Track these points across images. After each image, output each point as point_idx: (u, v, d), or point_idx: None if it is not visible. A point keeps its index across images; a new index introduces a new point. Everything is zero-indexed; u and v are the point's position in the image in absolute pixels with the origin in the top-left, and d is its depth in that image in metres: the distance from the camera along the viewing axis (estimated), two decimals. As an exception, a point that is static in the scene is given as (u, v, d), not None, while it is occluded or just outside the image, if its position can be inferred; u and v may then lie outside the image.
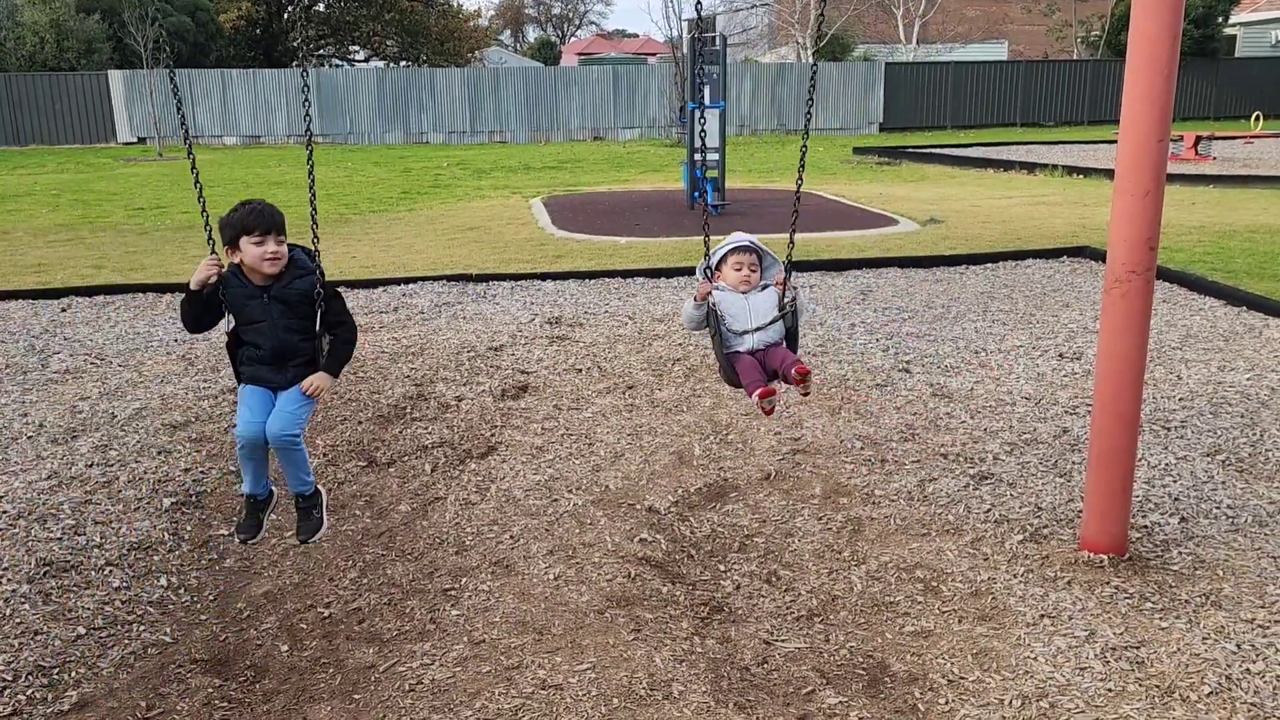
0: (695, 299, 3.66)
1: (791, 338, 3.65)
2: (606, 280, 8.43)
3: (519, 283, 8.38)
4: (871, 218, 12.24)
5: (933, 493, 4.15)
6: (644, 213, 13.17)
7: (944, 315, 7.07)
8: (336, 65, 45.19)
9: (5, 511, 4.02)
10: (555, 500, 4.18)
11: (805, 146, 3.72)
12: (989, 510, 3.97)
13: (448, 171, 20.21)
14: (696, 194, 13.19)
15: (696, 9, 4.00)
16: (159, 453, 4.64)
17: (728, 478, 4.39)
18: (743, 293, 3.64)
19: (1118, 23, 37.29)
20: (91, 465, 4.50)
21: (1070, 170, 17.23)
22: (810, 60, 36.02)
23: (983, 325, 6.76)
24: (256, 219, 3.35)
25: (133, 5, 28.25)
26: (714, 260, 3.72)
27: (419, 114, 29.92)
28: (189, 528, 4.01)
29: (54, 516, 4.00)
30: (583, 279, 8.49)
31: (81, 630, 3.27)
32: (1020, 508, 3.99)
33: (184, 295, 3.46)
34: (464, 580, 3.58)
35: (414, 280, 8.44)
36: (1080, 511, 3.86)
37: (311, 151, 3.66)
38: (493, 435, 4.86)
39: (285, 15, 44.00)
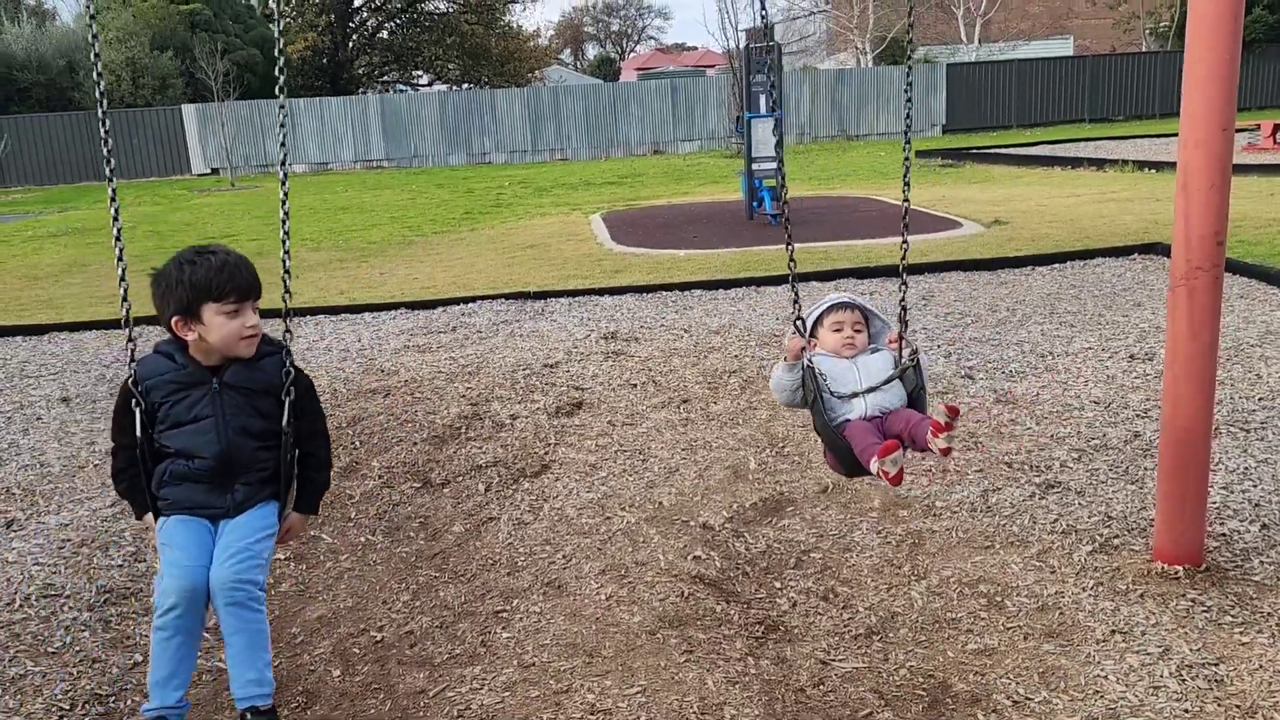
0: (786, 358, 2.98)
1: (917, 404, 2.95)
2: (663, 293, 8.39)
3: (576, 299, 8.39)
4: (934, 221, 12.00)
5: (997, 503, 4.01)
6: (702, 224, 13.11)
7: (1008, 319, 6.87)
8: (400, 90, 46.06)
9: (69, 540, 4.12)
10: (608, 518, 4.13)
11: (908, 166, 3.17)
12: (1056, 520, 3.82)
13: (509, 191, 20.42)
14: (755, 204, 13.11)
15: (763, 19, 3.56)
16: (220, 478, 4.71)
17: (784, 492, 4.30)
18: (846, 358, 3.01)
19: (1188, 10, 36.21)
20: (155, 491, 4.58)
21: (1141, 165, 16.73)
22: (870, 64, 35.66)
23: (1049, 328, 6.55)
24: (231, 280, 2.48)
25: (203, 41, 29.21)
26: (809, 322, 3.10)
27: (481, 135, 30.34)
28: (247, 552, 4.05)
29: (116, 544, 4.08)
30: (640, 293, 8.46)
31: (139, 657, 3.31)
32: (1089, 517, 3.83)
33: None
34: (515, 602, 3.55)
35: (473, 299, 8.49)
36: (1154, 520, 3.69)
37: (285, 178, 2.83)
38: (546, 453, 4.84)
39: (350, 44, 45.06)
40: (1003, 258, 8.99)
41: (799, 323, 3.01)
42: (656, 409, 5.35)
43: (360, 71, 46.37)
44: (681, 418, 5.21)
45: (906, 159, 3.18)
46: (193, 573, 2.44)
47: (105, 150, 2.77)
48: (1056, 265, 8.62)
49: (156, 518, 2.61)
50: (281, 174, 2.80)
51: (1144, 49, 38.00)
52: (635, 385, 5.76)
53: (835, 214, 13.35)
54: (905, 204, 3.20)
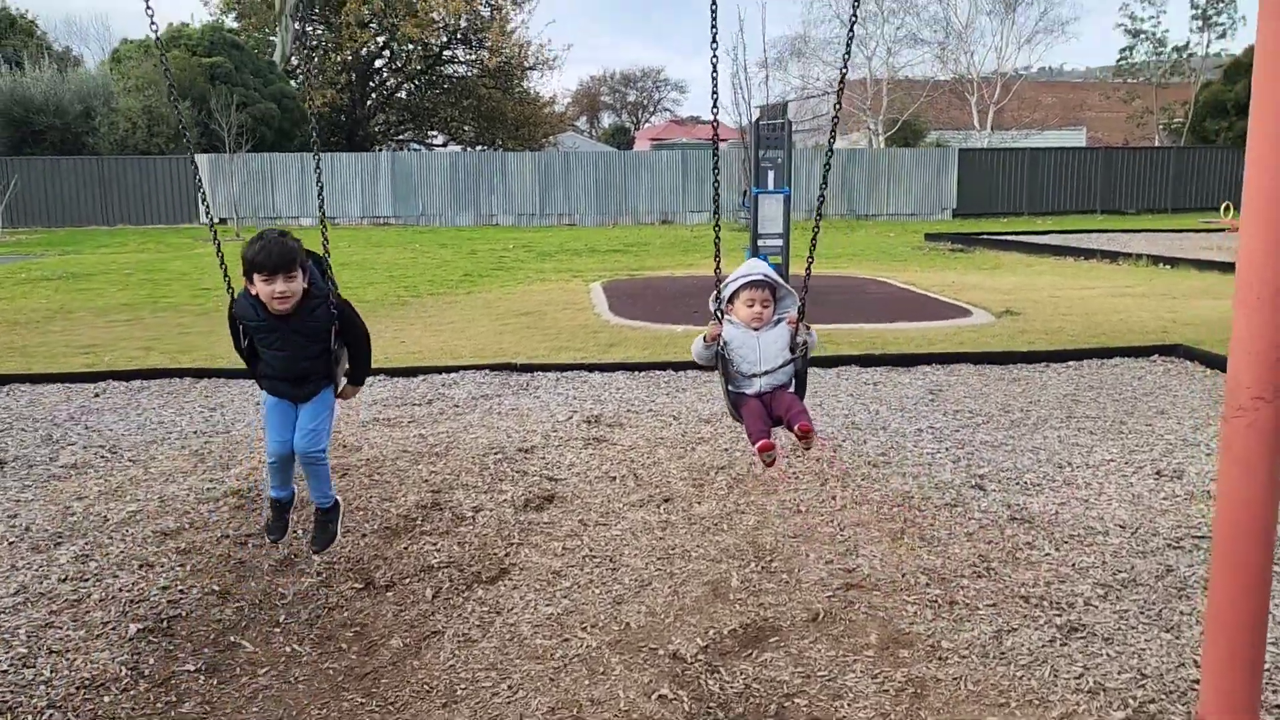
0: (705, 338, 3.64)
1: (800, 382, 3.64)
2: (657, 373, 7.95)
3: (564, 374, 7.94)
4: (943, 308, 11.61)
5: (1011, 647, 3.50)
6: (704, 299, 12.70)
7: (1023, 421, 6.40)
8: (415, 149, 46.35)
9: (-46, 635, 3.61)
10: (566, 640, 3.62)
11: (827, 169, 3.93)
12: (1081, 676, 3.30)
13: (512, 254, 20.15)
14: (759, 281, 12.74)
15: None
16: (140, 565, 4.21)
17: (768, 617, 3.79)
18: (754, 329, 3.61)
19: (1202, 109, 36.37)
20: (65, 579, 4.09)
21: (1155, 260, 16.39)
22: (881, 145, 35.74)
23: (1067, 434, 6.08)
24: (265, 258, 3.44)
25: (221, 94, 29.32)
26: (725, 294, 3.66)
27: (489, 196, 30.26)
28: (152, 660, 3.54)
29: (5, 643, 3.57)
30: (632, 371, 8.02)
31: (-5, 795, 2.80)
32: (1119, 673, 3.32)
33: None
34: (446, 744, 3.04)
35: (456, 369, 8.06)
36: (1195, 682, 3.18)
37: (319, 168, 4.08)
38: (507, 555, 4.34)
39: (369, 102, 45.47)
40: (1016, 351, 8.55)
41: (718, 307, 3.69)
42: (634, 507, 4.86)
43: (376, 129, 46.72)
44: (660, 519, 4.71)
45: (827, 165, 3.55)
46: (283, 446, 3.69)
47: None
48: (1073, 363, 8.17)
49: (260, 386, 3.76)
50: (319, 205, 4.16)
51: (1157, 143, 38.11)
52: (614, 478, 5.27)
53: (841, 294, 12.96)
54: (822, 192, 3.88)
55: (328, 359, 3.69)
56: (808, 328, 3.62)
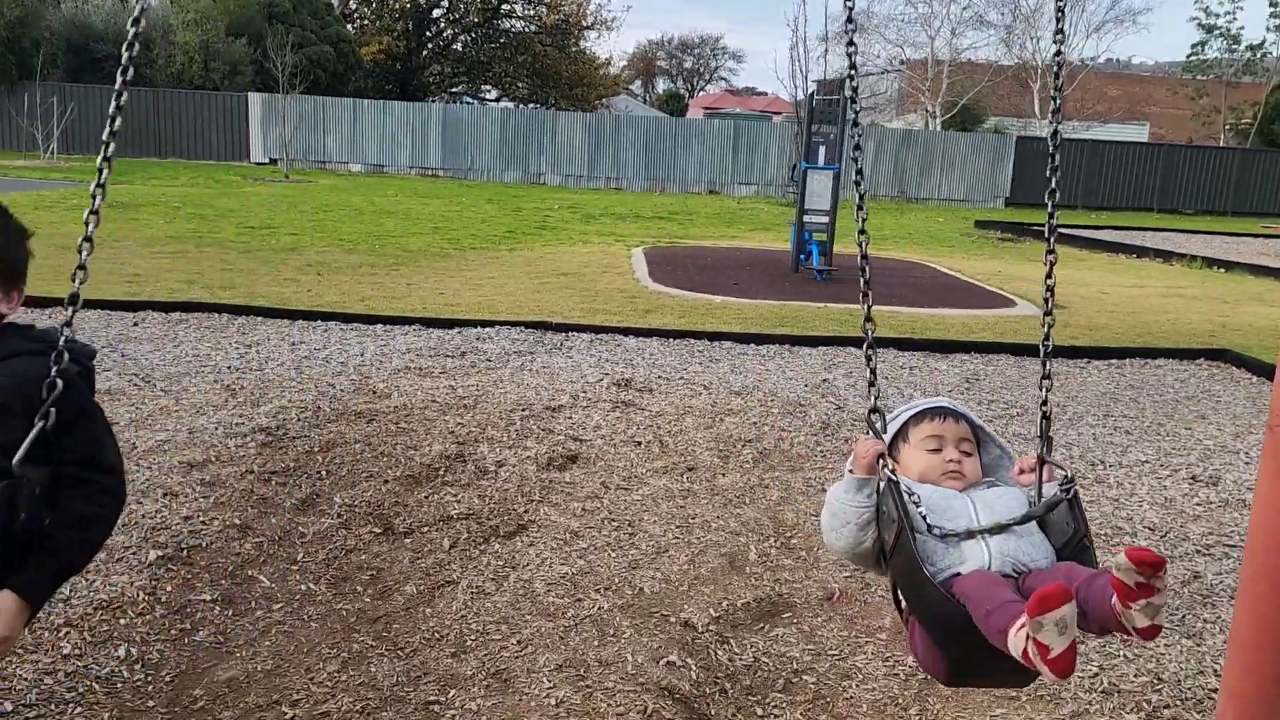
0: (851, 470, 1.96)
1: (1083, 555, 1.84)
2: (692, 341, 7.90)
3: (599, 336, 7.92)
4: (987, 296, 11.43)
5: (1027, 642, 3.44)
6: (746, 271, 12.63)
7: (1058, 415, 6.29)
8: (466, 102, 46.28)
9: (-19, 548, 3.68)
10: (579, 600, 3.62)
11: (1053, 239, 2.18)
12: (1096, 676, 3.24)
13: (556, 214, 20.10)
14: (803, 256, 12.62)
15: (853, 78, 2.34)
16: (164, 494, 4.27)
17: (783, 593, 3.76)
18: (954, 489, 1.94)
19: (1271, 111, 35.35)
20: (92, 502, 4.15)
21: (1210, 262, 16.01)
22: (938, 128, 35.12)
23: (1102, 432, 5.96)
24: None
25: (278, 33, 29.41)
26: (891, 429, 2.05)
27: (538, 155, 30.16)
28: (169, 588, 3.59)
29: (29, 559, 3.63)
30: (666, 338, 7.97)
31: (9, 706, 2.85)
32: (1136, 675, 3.26)
33: None
34: (452, 693, 3.05)
35: (492, 324, 8.06)
36: (1214, 691, 3.11)
37: (103, 178, 2.06)
38: (526, 511, 4.34)
39: (424, 52, 45.40)
40: (1057, 346, 8.37)
41: (875, 416, 1.98)
42: (657, 474, 4.84)
43: (430, 80, 46.68)
44: (683, 488, 4.69)
45: (1049, 237, 2.17)
46: None
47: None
48: (1114, 361, 8.01)
49: None
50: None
51: (1222, 143, 37.13)
52: (639, 444, 5.25)
53: (886, 277, 12.79)
54: (1049, 285, 2.15)
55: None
56: (1065, 472, 1.97)
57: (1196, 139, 40.46)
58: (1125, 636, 1.64)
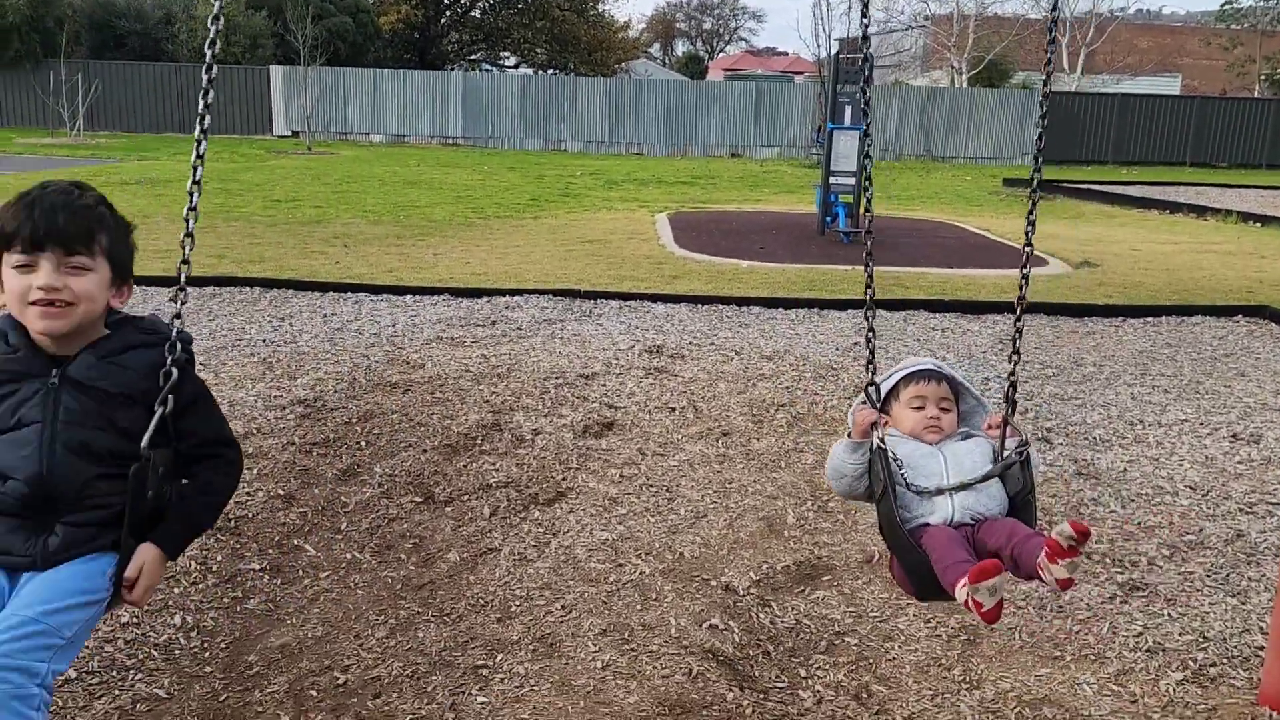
0: (851, 434, 2.36)
1: (1022, 513, 2.25)
2: (720, 307, 7.89)
3: (628, 303, 7.92)
4: (1018, 255, 11.27)
5: (1070, 602, 3.45)
6: (771, 235, 12.56)
7: (1094, 375, 6.24)
8: (485, 70, 46.07)
9: (34, 521, 3.76)
10: (620, 565, 3.66)
11: (1035, 202, 2.53)
12: (1140, 635, 3.25)
13: (579, 181, 20.04)
14: (829, 219, 12.53)
15: (864, 26, 2.68)
16: (210, 467, 4.33)
17: (822, 556, 3.78)
18: (930, 443, 2.35)
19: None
20: (139, 475, 4.23)
21: (1246, 217, 15.73)
22: (964, 84, 34.58)
23: (1140, 391, 5.91)
24: (27, 220, 1.88)
25: (296, 4, 29.32)
26: (885, 386, 2.43)
27: (559, 122, 30.02)
28: (219, 557, 3.66)
29: (82, 532, 3.71)
30: (695, 304, 7.97)
31: (72, 673, 2.93)
32: (1180, 634, 3.25)
33: None
34: (500, 657, 3.10)
35: (520, 292, 8.08)
36: (1260, 649, 3.11)
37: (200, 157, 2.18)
38: (564, 479, 4.38)
39: (442, 20, 45.15)
40: (1091, 305, 8.32)
41: (871, 389, 2.34)
42: (693, 439, 4.86)
43: (449, 48, 46.45)
44: (719, 453, 4.71)
45: (1033, 192, 2.53)
46: None
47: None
48: (1150, 319, 7.92)
49: None
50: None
51: (1257, 94, 36.36)
52: (674, 409, 5.27)
53: (912, 238, 12.69)
54: (1027, 251, 2.58)
55: (120, 480, 1.91)
56: (1023, 434, 2.33)
57: (1230, 90, 39.64)
58: (1042, 585, 2.23)
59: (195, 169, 2.11)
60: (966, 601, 1.99)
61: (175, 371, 1.98)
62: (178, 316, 2.05)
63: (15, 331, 1.96)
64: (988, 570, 1.95)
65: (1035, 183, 2.56)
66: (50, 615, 1.80)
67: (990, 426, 2.38)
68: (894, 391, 2.43)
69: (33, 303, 1.90)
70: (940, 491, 2.25)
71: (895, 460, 2.26)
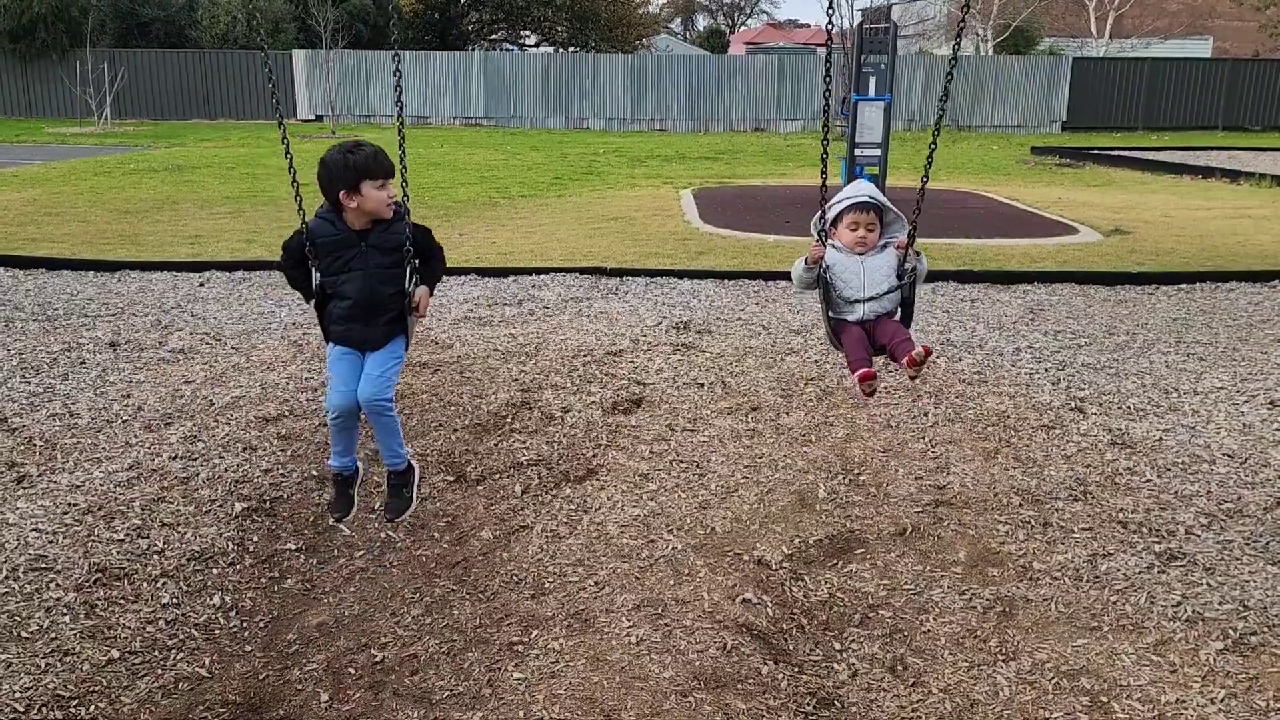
0: (807, 260, 3.38)
1: (906, 310, 3.38)
2: (746, 282, 7.85)
3: (654, 280, 7.90)
4: (1047, 225, 11.16)
5: (1107, 572, 3.42)
6: (797, 210, 12.45)
7: (1128, 344, 6.17)
8: (506, 49, 45.92)
9: (75, 505, 3.82)
10: (652, 541, 3.67)
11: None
12: (1179, 604, 3.22)
13: (603, 159, 19.97)
14: (855, 191, 12.41)
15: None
16: (244, 448, 4.38)
17: (854, 529, 3.77)
18: (858, 254, 3.37)
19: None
20: (175, 457, 4.28)
21: (1281, 180, 15.42)
22: (990, 53, 34.09)
23: (1175, 359, 5.83)
24: (379, 164, 3.21)
25: (317, -12, 29.31)
26: (829, 216, 3.41)
27: (581, 100, 29.90)
28: (256, 538, 3.71)
29: (122, 514, 3.77)
30: (721, 279, 7.94)
31: (115, 654, 2.98)
32: (1220, 603, 3.22)
33: (281, 264, 3.36)
34: (534, 633, 3.12)
35: (546, 271, 8.08)
36: (1301, 618, 3.07)
37: (401, 108, 3.53)
38: (595, 456, 4.39)
39: (461, 1, 44.98)
40: (1123, 272, 8.20)
41: (821, 228, 3.38)
42: (722, 415, 4.85)
43: (469, 28, 46.30)
44: (748, 428, 4.70)
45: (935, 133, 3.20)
46: (344, 395, 3.25)
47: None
48: (1184, 286, 7.81)
49: (327, 341, 3.36)
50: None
51: (1291, 55, 35.58)
52: (702, 385, 5.26)
53: (939, 208, 12.55)
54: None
55: (400, 296, 3.27)
56: (917, 253, 3.34)
57: (1263, 52, 38.80)
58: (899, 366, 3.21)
59: (400, 131, 3.53)
60: (854, 386, 3.20)
61: (410, 232, 3.29)
62: (406, 209, 3.34)
63: (338, 219, 3.23)
64: (867, 377, 3.16)
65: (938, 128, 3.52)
66: (389, 371, 3.28)
67: (899, 246, 3.34)
68: (839, 216, 3.41)
69: (388, 204, 3.22)
70: (857, 301, 3.34)
71: (830, 280, 3.34)
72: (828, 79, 3.53)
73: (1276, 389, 5.27)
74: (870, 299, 3.31)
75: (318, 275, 3.26)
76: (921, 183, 3.47)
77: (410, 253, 3.28)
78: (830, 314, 3.36)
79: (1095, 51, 35.10)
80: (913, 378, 3.19)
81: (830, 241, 3.38)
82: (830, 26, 3.45)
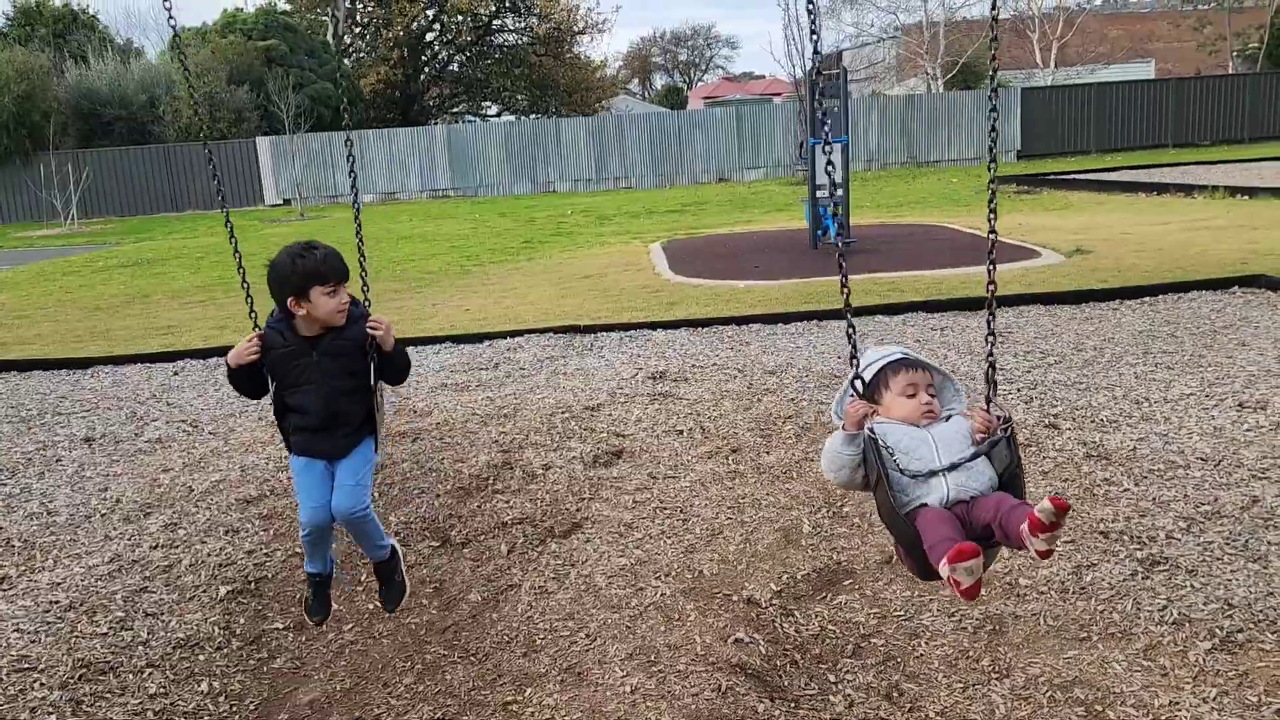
0: (845, 426, 2.39)
1: (1010, 487, 2.34)
2: (720, 328, 7.92)
3: (628, 333, 7.96)
4: (1010, 250, 11.34)
5: (1092, 583, 3.45)
6: (765, 254, 12.62)
7: (1096, 359, 6.26)
8: (469, 120, 46.51)
9: (57, 602, 3.78)
10: (641, 589, 3.67)
11: (994, 190, 2.67)
12: (1164, 608, 3.24)
13: (570, 219, 20.17)
14: (820, 232, 12.59)
15: (815, 50, 2.80)
16: (226, 532, 4.36)
17: (841, 561, 3.78)
18: (924, 427, 2.41)
19: (1278, 33, 34.78)
20: (156, 546, 4.25)
21: (1234, 190, 15.77)
22: (940, 90, 34.87)
23: (1144, 370, 5.92)
24: (330, 267, 3.01)
25: (278, 76, 29.70)
26: (868, 375, 2.49)
27: (545, 164, 30.27)
28: (242, 620, 3.68)
29: (104, 608, 3.73)
30: (695, 327, 8.01)
31: (104, 747, 2.94)
32: (1205, 604, 3.25)
33: (227, 372, 3.12)
34: (529, 691, 3.10)
35: (521, 333, 8.12)
36: (1285, 611, 3.10)
37: (357, 197, 3.62)
38: (579, 510, 4.39)
39: (421, 76, 45.67)
40: (1087, 290, 8.34)
41: (858, 382, 2.44)
42: (702, 459, 4.88)
43: (431, 103, 46.94)
44: (729, 470, 4.72)
45: (992, 183, 2.66)
46: (318, 512, 3.08)
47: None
48: (1147, 299, 7.94)
49: (289, 451, 3.21)
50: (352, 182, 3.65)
51: (1231, 71, 36.57)
52: (681, 432, 5.29)
53: (904, 242, 12.75)
54: (992, 238, 2.63)
55: (366, 394, 3.11)
56: (1004, 413, 2.41)
57: (1205, 70, 39.86)
58: (1024, 552, 2.22)
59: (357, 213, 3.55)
60: (948, 579, 2.12)
61: (371, 334, 3.08)
62: (367, 302, 3.22)
63: (288, 328, 3.05)
64: (965, 552, 2.08)
65: (993, 174, 2.75)
66: (363, 478, 3.12)
67: (972, 415, 2.44)
68: (883, 380, 2.49)
69: (339, 312, 3.04)
70: (934, 473, 2.33)
71: (886, 448, 2.35)
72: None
73: (1244, 391, 5.35)
74: (950, 467, 2.32)
75: (272, 383, 3.11)
76: (988, 342, 2.58)
77: (372, 347, 3.08)
78: (895, 501, 2.30)
79: (1043, 81, 35.97)
80: (1044, 554, 2.12)
81: (876, 419, 2.41)
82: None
